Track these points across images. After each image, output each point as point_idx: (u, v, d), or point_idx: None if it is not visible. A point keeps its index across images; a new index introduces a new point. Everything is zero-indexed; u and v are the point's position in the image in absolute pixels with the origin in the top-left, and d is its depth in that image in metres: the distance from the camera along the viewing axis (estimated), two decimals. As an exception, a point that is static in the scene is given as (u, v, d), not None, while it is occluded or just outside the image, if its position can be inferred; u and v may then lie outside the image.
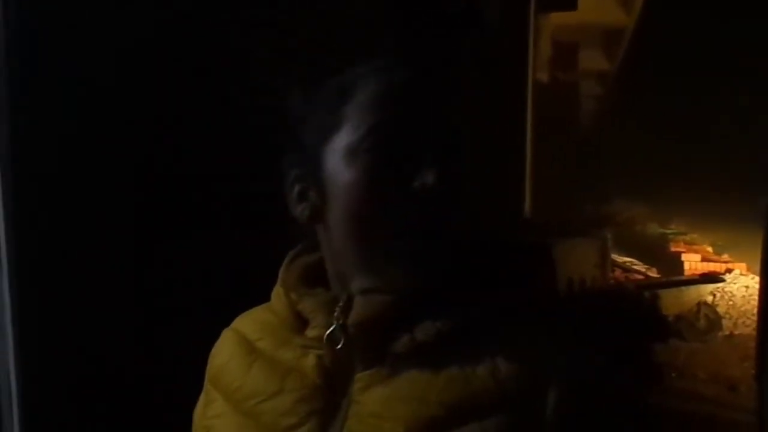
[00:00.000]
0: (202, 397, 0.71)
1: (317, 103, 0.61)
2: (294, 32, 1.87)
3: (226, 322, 0.72)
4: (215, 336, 0.72)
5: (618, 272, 8.30)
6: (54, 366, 1.19)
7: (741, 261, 8.43)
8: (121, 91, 1.32)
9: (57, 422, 1.20)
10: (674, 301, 6.38)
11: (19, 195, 1.12)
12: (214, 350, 0.70)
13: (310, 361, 0.59)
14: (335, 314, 0.58)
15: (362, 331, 0.57)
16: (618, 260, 8.67)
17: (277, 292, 0.66)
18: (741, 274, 7.71)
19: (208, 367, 0.70)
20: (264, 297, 0.70)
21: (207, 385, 0.70)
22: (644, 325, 5.09)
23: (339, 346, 0.57)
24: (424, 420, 0.54)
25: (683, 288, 6.64)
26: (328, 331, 0.58)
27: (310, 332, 0.60)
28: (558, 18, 7.68)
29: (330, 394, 0.58)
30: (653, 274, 8.73)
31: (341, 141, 0.58)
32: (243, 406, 0.62)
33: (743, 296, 7.10)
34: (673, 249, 10.10)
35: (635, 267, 8.80)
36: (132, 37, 1.32)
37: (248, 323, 0.69)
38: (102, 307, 1.28)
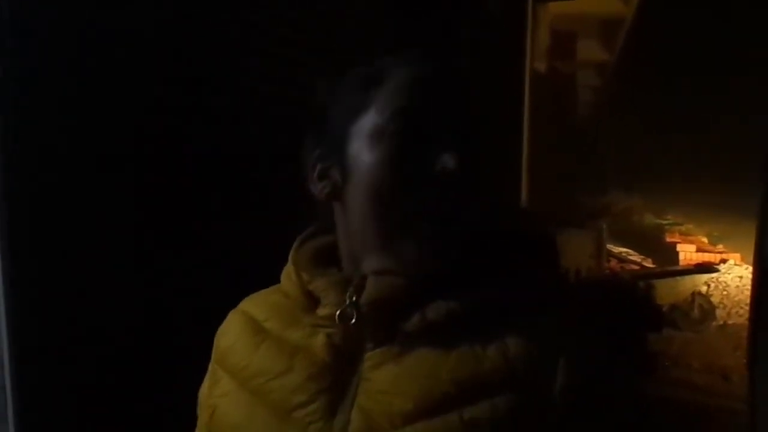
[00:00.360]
0: (207, 377, 0.71)
1: (346, 87, 0.64)
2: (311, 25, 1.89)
3: (232, 305, 0.73)
4: (221, 318, 0.72)
5: (614, 262, 8.35)
6: (52, 352, 1.20)
7: (735, 251, 8.48)
8: (117, 83, 1.32)
9: (59, 404, 1.21)
10: (669, 291, 6.42)
11: (12, 194, 1.12)
12: (220, 331, 0.71)
13: (320, 339, 0.60)
14: (348, 293, 0.59)
15: (374, 310, 0.58)
16: (614, 251, 8.71)
17: (288, 273, 0.67)
18: (735, 265, 7.77)
19: (215, 347, 0.71)
20: (266, 284, 0.71)
21: (213, 365, 0.70)
22: (638, 314, 5.13)
23: (352, 322, 0.58)
24: (434, 397, 0.55)
25: (678, 278, 6.69)
26: (340, 309, 0.59)
27: (321, 311, 0.61)
28: (556, 7, 7.65)
29: (339, 372, 0.59)
30: (649, 264, 8.78)
31: (367, 123, 0.60)
32: (250, 385, 0.63)
33: (737, 286, 7.16)
34: (668, 239, 10.15)
35: (631, 257, 8.85)
36: (133, 29, 1.32)
37: (256, 304, 0.70)
38: (102, 295, 1.29)
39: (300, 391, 0.59)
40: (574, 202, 9.96)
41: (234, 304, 0.73)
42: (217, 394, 0.67)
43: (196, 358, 0.73)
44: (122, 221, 1.34)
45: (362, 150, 0.60)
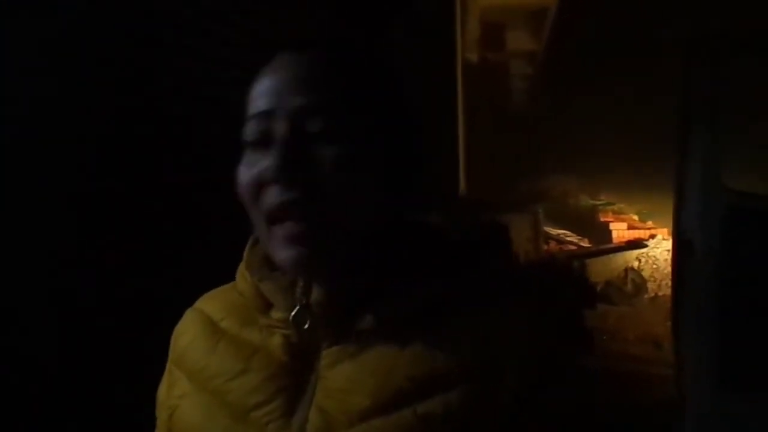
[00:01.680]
0: (165, 378, 0.70)
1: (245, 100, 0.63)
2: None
3: (189, 303, 0.72)
4: (177, 316, 0.71)
5: (553, 244, 8.62)
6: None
7: (663, 227, 8.89)
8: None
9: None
10: (603, 268, 6.68)
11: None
12: (176, 330, 0.70)
13: (276, 340, 0.61)
14: (297, 295, 0.59)
15: (326, 310, 0.58)
16: (552, 233, 8.99)
17: (242, 273, 0.66)
18: (663, 239, 8.13)
19: (171, 347, 0.70)
20: (222, 281, 0.71)
21: (170, 365, 0.69)
22: (574, 292, 5.32)
23: (306, 327, 0.59)
24: (390, 392, 0.55)
25: (611, 255, 6.96)
26: (292, 313, 0.59)
27: (275, 314, 0.61)
28: (484, 0, 7.82)
29: (297, 371, 0.59)
30: (585, 244, 9.11)
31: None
32: (208, 385, 0.62)
33: (665, 260, 7.50)
34: (602, 219, 10.55)
35: (569, 238, 9.15)
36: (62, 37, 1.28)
37: (212, 303, 0.70)
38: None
39: (258, 391, 0.59)
40: (512, 187, 10.23)
41: (190, 302, 0.72)
42: (176, 395, 0.66)
43: (153, 357, 0.72)
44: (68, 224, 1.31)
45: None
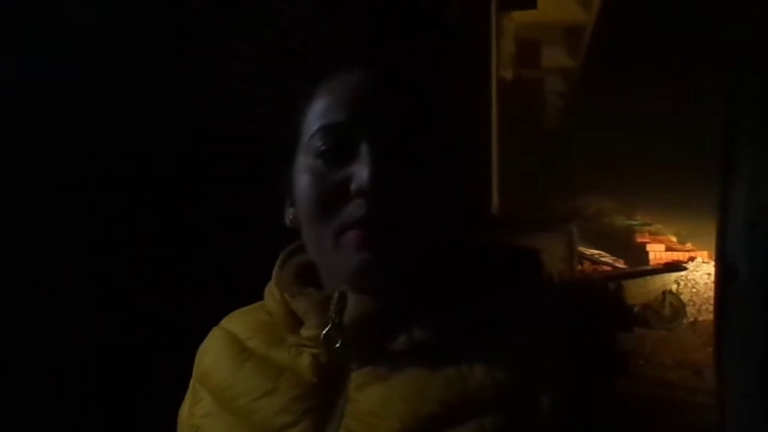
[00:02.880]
0: (188, 396, 0.70)
1: (292, 113, 0.64)
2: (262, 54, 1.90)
3: (214, 322, 0.71)
4: (202, 335, 0.71)
5: (587, 264, 8.46)
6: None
7: (703, 249, 8.66)
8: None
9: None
10: (640, 291, 6.51)
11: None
12: (201, 349, 0.69)
13: (305, 360, 0.60)
14: (330, 313, 0.58)
15: (358, 330, 0.57)
16: (586, 253, 8.83)
17: (271, 291, 0.66)
18: (703, 262, 7.92)
19: (196, 365, 0.69)
20: (248, 300, 0.71)
21: (194, 383, 0.69)
22: (610, 315, 5.20)
23: (337, 345, 0.57)
24: (421, 418, 0.54)
25: (648, 278, 6.78)
26: (324, 331, 0.58)
27: (305, 332, 0.60)
28: (519, 17, 7.81)
29: (326, 392, 0.58)
30: (621, 265, 8.92)
31: (301, 146, 0.61)
32: (233, 405, 0.61)
33: (705, 283, 7.30)
34: (638, 240, 10.33)
35: (603, 259, 8.97)
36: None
37: (238, 322, 0.69)
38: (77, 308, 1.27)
39: (285, 412, 0.58)
40: (546, 205, 10.10)
41: (216, 321, 0.72)
42: (199, 414, 0.65)
43: (176, 376, 0.72)
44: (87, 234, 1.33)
45: (298, 174, 0.61)
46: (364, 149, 0.57)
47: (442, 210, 0.62)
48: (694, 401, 4.29)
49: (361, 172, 0.55)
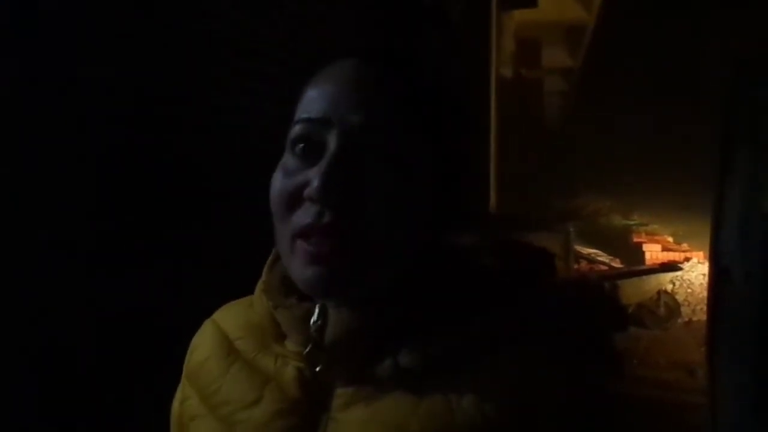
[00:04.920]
0: (179, 391, 0.68)
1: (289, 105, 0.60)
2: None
3: (211, 311, 0.70)
4: (198, 323, 0.69)
5: (584, 263, 8.49)
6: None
7: (699, 250, 8.69)
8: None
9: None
10: (636, 290, 6.54)
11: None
12: (194, 341, 0.68)
13: (290, 372, 0.57)
14: (311, 332, 0.55)
15: (341, 350, 0.54)
16: (583, 252, 8.86)
17: (259, 294, 0.63)
18: (699, 263, 7.96)
19: (187, 358, 0.67)
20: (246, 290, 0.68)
21: (184, 378, 0.67)
22: (605, 315, 5.22)
23: (318, 368, 0.55)
24: None
25: (644, 277, 6.81)
26: (306, 350, 0.55)
27: (289, 345, 0.58)
28: (520, 15, 7.81)
29: (309, 408, 0.55)
30: (617, 264, 8.95)
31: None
32: (219, 412, 0.60)
33: (701, 283, 7.34)
34: (635, 240, 10.36)
35: (600, 258, 9.00)
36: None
37: (230, 319, 0.67)
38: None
39: (267, 427, 0.56)
40: (544, 204, 10.12)
41: (212, 310, 0.70)
42: (187, 414, 0.64)
43: (173, 364, 0.71)
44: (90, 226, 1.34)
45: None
46: (330, 146, 0.51)
47: (434, 217, 0.55)
48: (688, 401, 4.31)
49: (316, 176, 0.50)
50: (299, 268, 0.52)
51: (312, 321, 0.55)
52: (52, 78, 1.23)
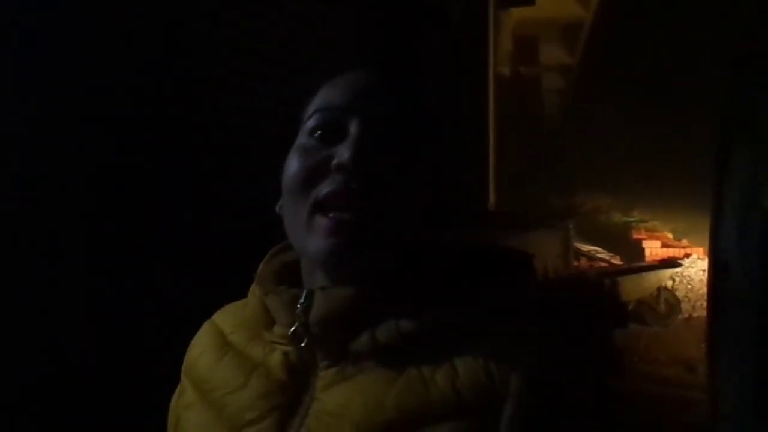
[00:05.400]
0: (178, 387, 0.71)
1: (297, 108, 0.65)
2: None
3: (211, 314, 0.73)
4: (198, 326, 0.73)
5: (583, 261, 8.49)
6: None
7: (698, 246, 8.68)
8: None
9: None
10: (635, 287, 6.55)
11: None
12: (192, 342, 0.71)
13: (277, 357, 0.60)
14: (297, 312, 0.58)
15: (324, 329, 0.57)
16: (583, 249, 8.86)
17: (253, 287, 0.66)
18: (698, 259, 7.94)
19: (186, 356, 0.71)
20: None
21: (182, 375, 0.71)
22: (604, 311, 5.22)
23: (302, 345, 0.58)
24: (378, 424, 0.54)
25: (644, 274, 6.82)
26: (291, 330, 0.58)
27: (277, 330, 0.61)
28: (518, 13, 7.81)
29: (294, 390, 0.59)
30: (617, 261, 8.94)
31: (299, 133, 0.62)
32: (209, 397, 0.63)
33: (701, 280, 7.32)
34: (634, 236, 10.36)
35: (600, 255, 9.00)
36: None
37: (225, 316, 0.71)
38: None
39: (253, 408, 0.59)
40: (543, 202, 10.13)
41: (212, 310, 0.73)
42: (182, 404, 0.67)
43: (172, 365, 0.74)
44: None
45: (290, 154, 0.61)
46: (353, 130, 0.57)
47: (431, 207, 0.60)
48: (688, 397, 4.32)
49: (344, 149, 0.55)
50: (318, 241, 0.55)
51: (299, 303, 0.58)
52: (51, 78, 1.23)
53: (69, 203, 1.29)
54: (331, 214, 0.55)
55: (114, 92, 1.40)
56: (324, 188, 0.56)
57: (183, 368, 0.70)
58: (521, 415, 0.53)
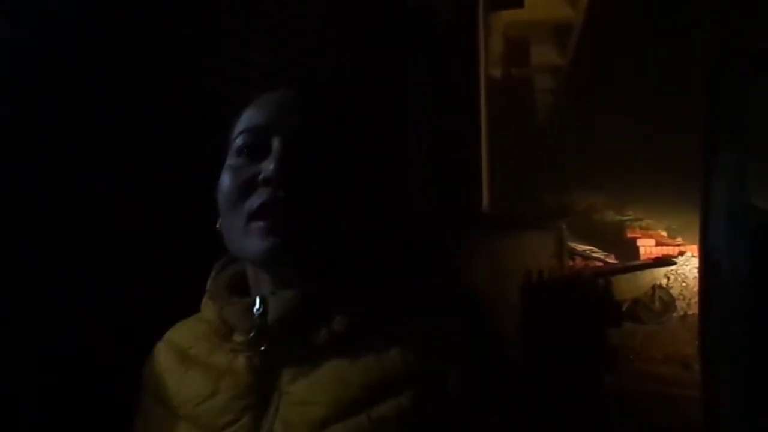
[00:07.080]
0: (139, 412, 0.74)
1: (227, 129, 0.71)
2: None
3: (156, 338, 0.75)
4: (145, 352, 0.75)
5: (578, 260, 8.51)
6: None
7: (693, 244, 8.70)
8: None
9: None
10: (630, 286, 6.58)
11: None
12: (148, 363, 0.74)
13: (241, 362, 0.65)
14: (253, 318, 0.64)
15: (282, 329, 0.63)
16: (578, 248, 8.88)
17: (206, 302, 0.72)
18: (692, 256, 7.96)
19: (144, 380, 0.74)
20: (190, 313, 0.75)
21: (144, 397, 0.73)
22: (598, 310, 5.23)
23: (263, 348, 0.63)
24: (344, 402, 0.60)
25: (639, 272, 6.85)
26: (250, 336, 0.64)
27: (237, 338, 0.66)
28: (507, 16, 7.83)
29: (262, 389, 0.64)
30: (612, 260, 8.97)
31: (229, 152, 0.69)
32: (181, 411, 0.66)
33: (695, 277, 7.35)
34: (629, 235, 10.39)
35: (595, 254, 9.03)
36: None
37: (180, 333, 0.75)
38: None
39: (226, 411, 0.63)
40: (537, 202, 10.15)
41: (158, 336, 0.76)
42: (155, 427, 0.70)
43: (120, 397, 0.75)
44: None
45: (222, 174, 0.68)
46: (275, 146, 0.64)
47: (353, 210, 0.67)
48: (684, 395, 4.34)
49: (268, 164, 0.62)
50: (257, 243, 0.62)
51: (255, 309, 0.64)
52: (45, 74, 1.23)
53: (68, 202, 1.29)
54: (267, 217, 0.62)
55: (95, 94, 1.39)
56: (255, 201, 0.63)
57: (143, 391, 0.73)
58: (462, 382, 0.61)
